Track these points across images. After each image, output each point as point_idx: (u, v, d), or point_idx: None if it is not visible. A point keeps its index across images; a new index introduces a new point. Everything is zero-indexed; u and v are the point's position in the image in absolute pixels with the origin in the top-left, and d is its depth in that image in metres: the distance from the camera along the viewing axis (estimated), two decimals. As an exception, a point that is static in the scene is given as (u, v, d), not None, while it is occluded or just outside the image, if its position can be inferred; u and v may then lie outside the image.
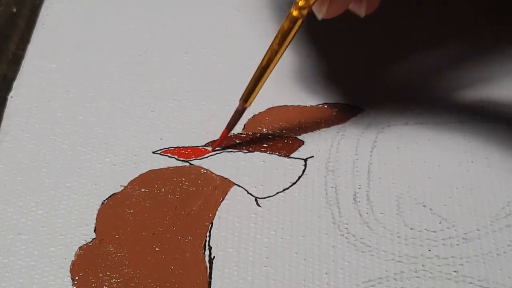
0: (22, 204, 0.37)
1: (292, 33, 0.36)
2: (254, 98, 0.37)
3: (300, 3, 0.35)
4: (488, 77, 0.42)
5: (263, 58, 0.37)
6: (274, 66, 0.37)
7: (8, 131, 0.40)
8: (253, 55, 0.40)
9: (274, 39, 0.36)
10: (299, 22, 0.36)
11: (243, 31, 0.44)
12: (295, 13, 0.35)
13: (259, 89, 0.37)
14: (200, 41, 0.44)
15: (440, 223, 0.36)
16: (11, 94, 0.42)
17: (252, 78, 0.37)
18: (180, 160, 0.39)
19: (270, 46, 0.36)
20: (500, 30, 0.44)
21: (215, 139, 0.39)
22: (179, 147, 0.39)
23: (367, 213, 0.36)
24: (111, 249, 0.35)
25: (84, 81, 0.42)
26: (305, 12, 0.35)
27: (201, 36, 0.44)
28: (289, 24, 0.36)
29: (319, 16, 0.36)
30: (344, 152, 0.39)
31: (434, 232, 0.36)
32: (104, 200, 0.37)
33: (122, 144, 0.39)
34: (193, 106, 0.41)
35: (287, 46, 0.36)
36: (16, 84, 0.42)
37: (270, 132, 0.40)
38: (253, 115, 0.41)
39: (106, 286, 0.34)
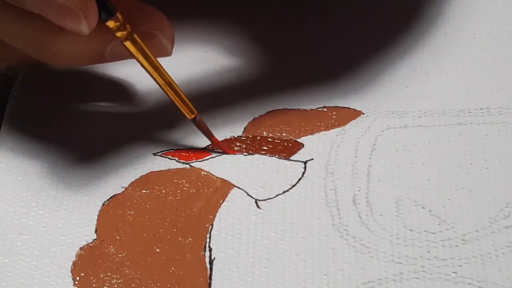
0: (23, 204, 0.37)
1: (142, 46, 0.36)
2: (191, 106, 0.38)
3: (112, 25, 0.35)
4: (487, 79, 0.42)
5: (158, 82, 0.37)
6: (168, 75, 0.37)
7: (8, 130, 0.40)
8: (254, 57, 0.41)
9: (143, 66, 0.36)
10: (133, 36, 0.35)
11: (243, 34, 0.45)
12: (119, 34, 0.35)
13: (186, 98, 0.38)
14: (200, 44, 0.44)
15: (439, 224, 0.36)
16: (12, 93, 0.42)
17: (173, 97, 0.37)
18: (180, 162, 0.39)
19: (148, 72, 0.37)
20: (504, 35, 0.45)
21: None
22: (179, 149, 0.39)
23: (366, 215, 0.37)
24: (112, 250, 0.35)
25: (85, 82, 0.42)
26: (123, 28, 0.35)
27: (201, 38, 0.44)
28: (132, 45, 0.36)
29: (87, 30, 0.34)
30: (343, 155, 0.39)
31: (433, 233, 0.36)
32: (105, 201, 0.37)
33: (123, 145, 0.39)
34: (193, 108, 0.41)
35: (153, 55, 0.36)
36: (17, 83, 0.42)
37: (270, 135, 0.40)
38: (254, 118, 0.41)
39: (106, 286, 0.34)
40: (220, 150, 0.39)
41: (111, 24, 0.35)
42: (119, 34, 0.35)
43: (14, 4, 0.34)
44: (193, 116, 0.38)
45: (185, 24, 0.45)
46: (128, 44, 0.36)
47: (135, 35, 0.36)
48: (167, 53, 0.37)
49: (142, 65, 0.37)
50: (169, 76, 0.37)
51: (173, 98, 0.37)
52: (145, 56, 0.36)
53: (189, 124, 0.40)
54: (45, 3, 0.33)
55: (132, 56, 0.36)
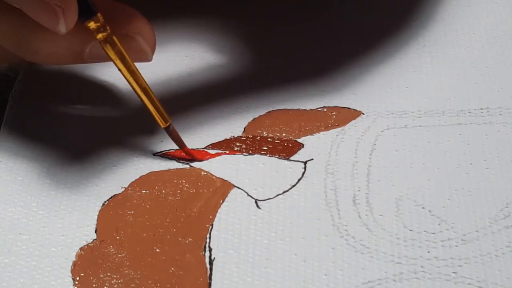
0: (23, 204, 0.37)
1: (121, 50, 0.36)
2: (165, 114, 0.37)
3: (92, 26, 0.35)
4: (487, 79, 0.42)
5: (133, 87, 0.37)
6: (145, 82, 0.37)
7: (8, 131, 0.40)
8: (254, 57, 0.40)
9: (120, 69, 0.36)
10: (112, 39, 0.35)
11: (243, 34, 0.45)
12: (100, 36, 0.35)
13: (161, 106, 0.37)
14: (200, 44, 0.44)
15: (439, 224, 0.36)
16: (12, 93, 0.42)
17: (147, 103, 0.37)
18: (180, 162, 0.39)
19: (124, 76, 0.36)
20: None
21: (215, 141, 0.40)
22: (179, 149, 0.39)
23: (366, 215, 0.37)
24: (112, 250, 0.35)
25: (86, 82, 0.42)
26: (103, 29, 0.35)
27: (201, 39, 0.44)
28: (111, 48, 0.35)
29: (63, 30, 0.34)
30: (343, 155, 0.39)
31: (433, 233, 0.36)
32: (105, 201, 0.37)
33: (123, 145, 0.39)
34: (193, 109, 0.41)
35: (130, 60, 0.36)
36: (17, 83, 0.42)
37: (270, 135, 0.40)
38: (253, 119, 0.41)
39: (106, 286, 0.34)
40: (219, 151, 0.39)
41: (91, 25, 0.35)
42: (99, 35, 0.35)
43: None
44: (166, 125, 0.38)
45: (186, 24, 0.45)
46: (106, 46, 0.35)
47: (114, 38, 0.35)
48: (146, 58, 0.37)
49: (119, 69, 0.36)
50: (145, 82, 0.37)
51: (147, 105, 0.37)
52: (123, 60, 0.36)
53: (189, 124, 0.40)
54: None
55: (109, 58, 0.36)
